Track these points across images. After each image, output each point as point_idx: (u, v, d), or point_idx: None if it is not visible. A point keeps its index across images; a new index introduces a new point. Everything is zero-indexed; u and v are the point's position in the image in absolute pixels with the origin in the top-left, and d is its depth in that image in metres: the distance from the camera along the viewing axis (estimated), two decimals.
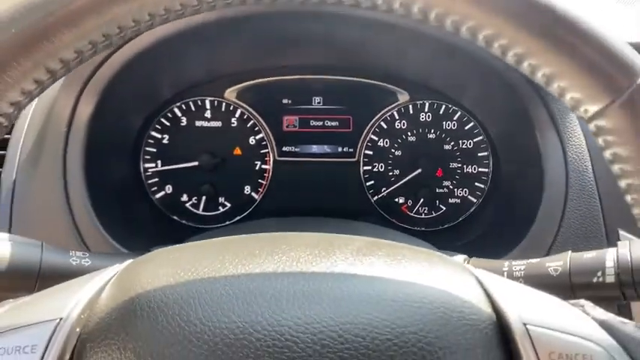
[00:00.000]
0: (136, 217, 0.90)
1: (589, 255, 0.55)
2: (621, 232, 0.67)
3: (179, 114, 0.95)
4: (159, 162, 0.95)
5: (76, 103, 0.76)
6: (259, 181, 0.96)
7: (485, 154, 0.92)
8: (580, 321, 0.39)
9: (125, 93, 0.82)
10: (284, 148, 0.96)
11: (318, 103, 0.96)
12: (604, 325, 0.39)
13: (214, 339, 0.35)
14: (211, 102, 0.95)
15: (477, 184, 0.93)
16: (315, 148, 0.97)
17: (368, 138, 0.94)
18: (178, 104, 0.95)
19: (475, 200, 0.93)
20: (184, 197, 0.96)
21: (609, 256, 0.54)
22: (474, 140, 0.91)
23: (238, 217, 0.96)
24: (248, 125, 0.95)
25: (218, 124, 0.95)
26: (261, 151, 0.96)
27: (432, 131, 0.94)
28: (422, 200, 0.95)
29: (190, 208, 0.96)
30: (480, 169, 0.92)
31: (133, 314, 0.38)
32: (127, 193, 0.92)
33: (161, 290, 0.39)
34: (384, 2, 0.36)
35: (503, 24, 0.36)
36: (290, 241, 0.45)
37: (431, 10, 0.36)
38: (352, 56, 0.88)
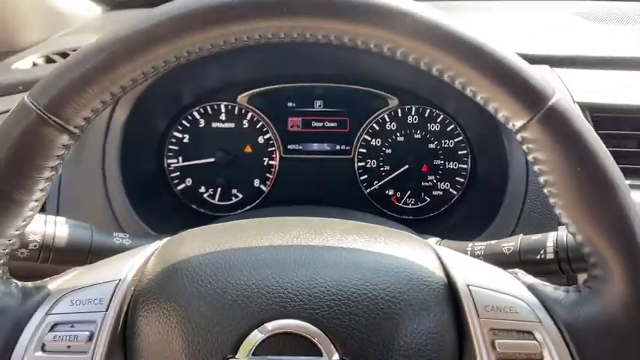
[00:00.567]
0: (162, 206, 0.93)
1: (535, 237, 0.61)
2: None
3: (198, 117, 0.98)
4: (180, 158, 0.99)
5: (112, 111, 0.82)
6: (267, 175, 0.99)
7: (465, 152, 0.96)
8: (511, 284, 0.48)
9: (152, 101, 0.87)
10: (289, 147, 0.99)
11: (319, 106, 1.00)
12: (530, 287, 0.48)
13: (236, 292, 0.44)
14: (225, 106, 0.98)
15: (457, 178, 0.97)
16: (316, 146, 1.00)
17: (362, 138, 0.98)
18: (197, 108, 0.98)
19: (455, 192, 0.97)
20: (202, 189, 0.99)
21: (550, 238, 0.60)
22: (455, 140, 0.96)
23: (249, 207, 1.00)
24: (257, 126, 0.99)
25: (231, 125, 0.99)
26: (269, 149, 0.99)
27: (418, 132, 0.97)
28: (409, 192, 0.98)
29: (207, 198, 0.99)
30: (459, 166, 0.97)
31: (173, 276, 0.47)
32: (154, 185, 0.96)
33: (194, 258, 0.48)
34: (367, 42, 0.45)
35: (463, 69, 0.44)
36: (291, 222, 0.54)
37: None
38: (349, 68, 0.93)
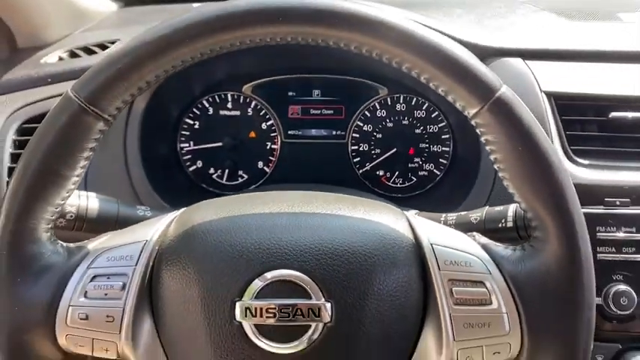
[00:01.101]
0: (176, 185, 0.99)
1: (498, 208, 0.67)
2: None
3: (207, 105, 1.03)
4: (191, 142, 1.03)
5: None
6: (270, 157, 1.04)
7: (447, 136, 1.02)
8: (468, 243, 0.55)
9: (167, 92, 0.92)
10: (289, 132, 1.04)
11: (317, 95, 1.04)
12: (483, 246, 0.55)
13: (241, 249, 0.52)
14: (232, 96, 1.03)
15: (440, 160, 1.02)
16: (314, 132, 1.04)
17: (355, 124, 1.03)
18: (206, 98, 1.03)
19: (438, 173, 1.03)
20: (212, 170, 1.04)
21: (511, 209, 0.65)
22: (439, 126, 1.01)
23: (253, 186, 1.04)
24: (260, 114, 1.03)
25: (237, 113, 1.03)
26: (271, 135, 1.04)
27: (406, 118, 1.03)
28: (397, 173, 1.03)
29: (216, 179, 1.04)
30: (442, 148, 1.02)
31: (191, 237, 0.55)
32: (169, 166, 1.01)
33: (207, 223, 0.55)
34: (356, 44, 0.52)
35: (426, 67, 0.51)
36: (288, 195, 0.61)
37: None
38: (344, 61, 0.97)
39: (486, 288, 0.53)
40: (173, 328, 0.54)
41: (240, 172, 1.05)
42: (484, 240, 0.57)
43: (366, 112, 1.04)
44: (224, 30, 0.52)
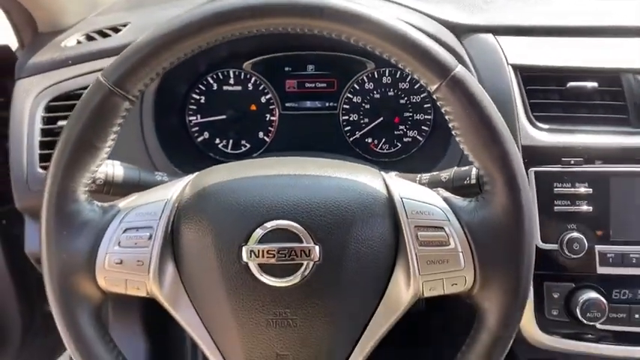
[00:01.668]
0: (186, 153, 1.04)
1: (464, 168, 0.73)
2: None
3: (211, 81, 1.08)
4: (199, 116, 1.08)
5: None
6: (269, 128, 1.09)
7: (429, 105, 1.07)
8: (432, 196, 0.64)
9: (176, 70, 0.89)
10: (286, 104, 1.09)
11: (311, 70, 1.09)
12: (445, 199, 0.64)
13: (246, 204, 0.61)
14: (233, 72, 1.08)
15: (422, 127, 1.09)
16: (309, 104, 1.09)
17: (345, 96, 1.08)
18: (211, 75, 1.08)
19: (421, 139, 1.09)
20: (217, 140, 1.10)
21: (474, 169, 0.71)
22: (421, 96, 1.07)
23: (255, 154, 1.10)
24: (260, 88, 1.08)
25: (239, 88, 1.09)
26: (270, 107, 1.09)
27: (391, 90, 1.08)
28: (384, 140, 1.09)
29: (222, 148, 1.10)
30: (424, 117, 1.08)
31: (204, 196, 0.63)
32: (180, 137, 1.07)
33: (218, 184, 0.64)
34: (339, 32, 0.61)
35: (394, 50, 0.60)
36: (284, 160, 0.69)
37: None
38: (335, 39, 1.04)
39: (445, 232, 0.62)
40: (192, 269, 0.63)
41: (243, 142, 1.11)
42: (446, 194, 0.67)
43: (355, 85, 1.09)
44: (224, 23, 0.60)
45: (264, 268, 0.60)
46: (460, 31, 0.99)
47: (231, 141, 1.11)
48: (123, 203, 0.67)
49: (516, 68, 0.93)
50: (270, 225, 0.60)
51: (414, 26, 0.62)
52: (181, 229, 0.63)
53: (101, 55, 1.00)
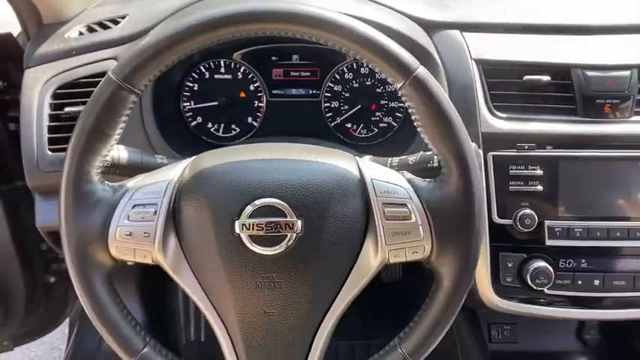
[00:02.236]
0: (182, 137, 1.09)
1: (429, 153, 0.77)
2: None
3: (204, 70, 1.12)
4: (192, 102, 1.13)
5: None
6: (257, 114, 1.14)
7: None
8: (398, 178, 0.72)
9: None
10: (273, 92, 1.14)
11: (296, 59, 1.14)
12: (408, 180, 0.72)
13: (238, 184, 0.68)
14: (224, 62, 1.12)
15: (397, 114, 1.15)
16: (294, 91, 1.14)
17: (327, 84, 1.14)
18: (203, 64, 1.12)
19: (396, 124, 1.16)
20: (209, 125, 1.14)
21: None
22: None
23: (244, 138, 1.15)
24: (249, 77, 1.13)
25: (229, 76, 1.13)
26: (258, 94, 1.13)
27: (369, 79, 1.13)
28: (362, 125, 1.15)
29: (214, 132, 1.15)
30: (399, 104, 1.14)
31: (201, 177, 0.70)
32: (176, 122, 1.12)
33: (213, 167, 0.71)
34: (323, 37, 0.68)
35: (363, 52, 0.67)
36: (272, 145, 0.77)
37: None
38: None
39: (408, 208, 0.69)
40: (191, 240, 0.69)
41: (233, 126, 1.16)
42: (409, 175, 0.75)
43: (336, 75, 1.14)
44: (219, 27, 0.67)
45: (254, 239, 0.67)
46: (430, 27, 1.07)
47: (222, 125, 1.15)
48: (131, 183, 0.73)
49: (479, 62, 1.02)
50: (259, 202, 0.67)
51: (385, 25, 0.69)
52: (182, 205, 0.69)
53: (102, 47, 1.06)
